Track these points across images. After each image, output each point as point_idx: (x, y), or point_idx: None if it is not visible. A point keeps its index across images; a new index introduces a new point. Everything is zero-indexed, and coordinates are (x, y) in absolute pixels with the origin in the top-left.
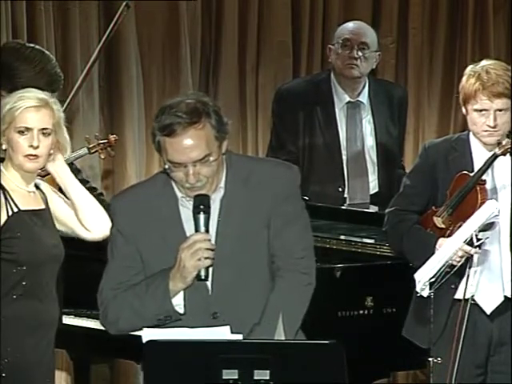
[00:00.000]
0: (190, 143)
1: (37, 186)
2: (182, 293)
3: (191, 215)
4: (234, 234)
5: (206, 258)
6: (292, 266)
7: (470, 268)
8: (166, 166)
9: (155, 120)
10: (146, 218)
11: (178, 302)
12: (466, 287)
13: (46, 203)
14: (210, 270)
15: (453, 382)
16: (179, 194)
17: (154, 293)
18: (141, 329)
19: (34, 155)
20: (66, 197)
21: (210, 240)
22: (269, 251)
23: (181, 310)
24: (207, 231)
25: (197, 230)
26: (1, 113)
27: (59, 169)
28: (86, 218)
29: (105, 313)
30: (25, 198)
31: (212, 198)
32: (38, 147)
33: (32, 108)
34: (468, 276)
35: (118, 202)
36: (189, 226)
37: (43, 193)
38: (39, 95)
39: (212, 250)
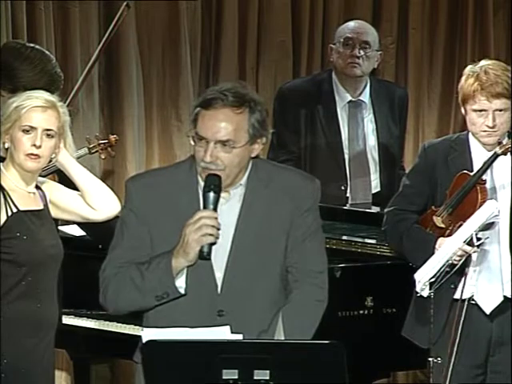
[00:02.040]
0: (220, 121)
1: (37, 186)
2: (184, 275)
3: None
4: (253, 233)
5: (210, 235)
6: (310, 279)
7: (468, 267)
8: (192, 136)
9: (200, 95)
10: (164, 204)
11: (180, 284)
12: (463, 287)
13: (45, 203)
14: (223, 264)
15: (447, 382)
16: (202, 184)
17: (156, 268)
18: (139, 306)
19: (36, 155)
20: (70, 185)
21: (216, 218)
22: (283, 259)
23: (182, 291)
24: (215, 210)
25: (205, 207)
26: (5, 111)
27: (59, 155)
28: (92, 197)
29: (105, 290)
30: (24, 199)
31: (231, 193)
32: (40, 147)
33: (38, 108)
34: (466, 276)
35: (135, 182)
36: None
37: (43, 192)
38: (47, 97)
39: (218, 228)
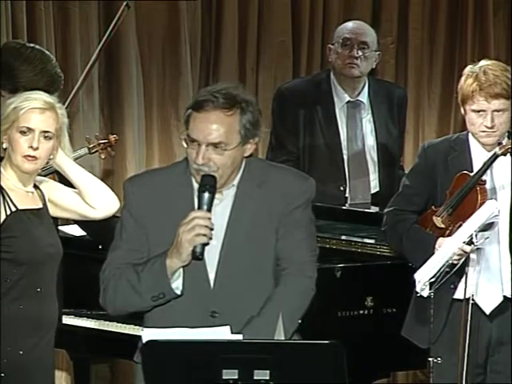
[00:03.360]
0: (211, 123)
1: (36, 186)
2: (181, 277)
3: None
4: (244, 233)
5: (204, 236)
6: (299, 268)
7: (468, 267)
8: (183, 138)
9: (193, 97)
10: (160, 205)
11: (177, 286)
12: (465, 287)
13: (44, 202)
14: (215, 265)
15: (463, 382)
16: (196, 185)
17: (151, 268)
18: (137, 307)
19: (33, 156)
20: (69, 184)
21: (209, 219)
22: (274, 256)
23: (178, 292)
24: (209, 210)
25: (199, 207)
26: (3, 112)
27: (55, 155)
28: (90, 196)
29: (105, 291)
30: (23, 198)
31: (224, 194)
32: (37, 149)
33: (37, 109)
34: (467, 275)
35: (132, 184)
36: None
37: (41, 192)
38: (46, 98)
39: (211, 228)
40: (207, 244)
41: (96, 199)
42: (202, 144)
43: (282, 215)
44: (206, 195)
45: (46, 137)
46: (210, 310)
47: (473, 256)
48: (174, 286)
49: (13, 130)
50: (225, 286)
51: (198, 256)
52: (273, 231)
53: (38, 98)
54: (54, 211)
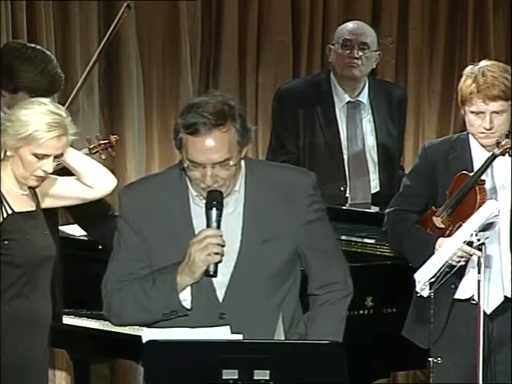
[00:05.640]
0: (212, 144)
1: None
2: (189, 288)
3: (202, 213)
4: (254, 240)
5: (216, 254)
6: (335, 289)
7: (474, 268)
8: (185, 165)
9: (180, 117)
10: (156, 212)
11: (185, 297)
12: (478, 288)
13: (37, 203)
14: (230, 273)
15: (480, 382)
16: (193, 192)
17: (161, 286)
18: (145, 323)
19: (43, 176)
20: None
21: (221, 236)
22: (289, 261)
23: (187, 306)
24: (219, 227)
25: (208, 225)
26: (17, 130)
27: None
28: (88, 176)
29: (108, 304)
30: (19, 200)
31: (226, 201)
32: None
33: (55, 138)
34: (480, 273)
35: (127, 193)
36: (199, 224)
37: (34, 191)
38: (61, 119)
39: (223, 245)
40: (220, 261)
41: (94, 179)
42: (207, 166)
43: (293, 220)
44: (214, 212)
45: (56, 158)
46: (218, 313)
47: (473, 257)
48: (181, 297)
49: (25, 151)
50: (234, 297)
51: (211, 274)
52: (281, 233)
53: (56, 123)
54: (53, 202)
